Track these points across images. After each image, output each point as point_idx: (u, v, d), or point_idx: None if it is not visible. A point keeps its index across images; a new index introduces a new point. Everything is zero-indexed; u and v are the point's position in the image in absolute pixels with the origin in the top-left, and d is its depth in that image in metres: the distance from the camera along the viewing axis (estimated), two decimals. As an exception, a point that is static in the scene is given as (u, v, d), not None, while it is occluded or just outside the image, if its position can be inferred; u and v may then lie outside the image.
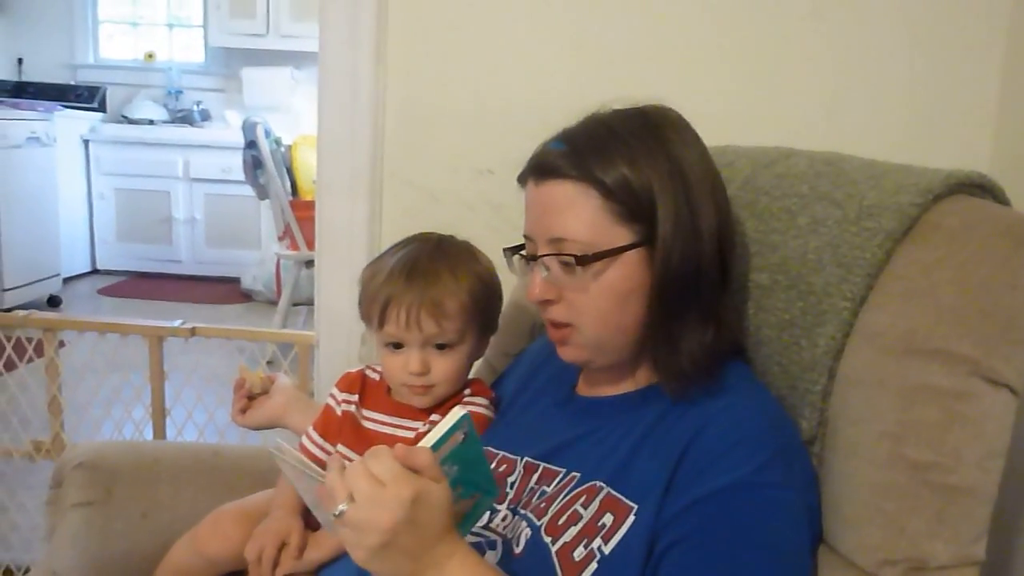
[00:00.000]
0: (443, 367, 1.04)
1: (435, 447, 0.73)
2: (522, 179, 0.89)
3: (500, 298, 1.10)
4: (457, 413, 0.75)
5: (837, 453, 0.83)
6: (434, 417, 1.07)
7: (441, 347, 1.03)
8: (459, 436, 0.75)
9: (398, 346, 1.04)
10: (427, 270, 1.02)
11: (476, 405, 1.08)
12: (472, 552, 0.73)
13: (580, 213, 0.82)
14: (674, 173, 0.81)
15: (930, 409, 0.76)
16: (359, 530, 0.67)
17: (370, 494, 0.66)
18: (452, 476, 0.76)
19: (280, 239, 3.78)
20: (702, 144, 0.87)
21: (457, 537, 0.72)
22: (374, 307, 1.03)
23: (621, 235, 0.82)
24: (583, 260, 0.82)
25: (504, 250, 0.95)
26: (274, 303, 4.24)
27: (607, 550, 0.77)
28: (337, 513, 0.67)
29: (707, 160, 0.87)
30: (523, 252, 0.92)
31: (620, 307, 0.84)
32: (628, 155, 0.81)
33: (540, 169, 0.86)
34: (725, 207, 0.87)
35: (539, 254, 0.86)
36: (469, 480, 0.79)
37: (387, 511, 0.66)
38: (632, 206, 0.81)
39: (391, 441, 1.07)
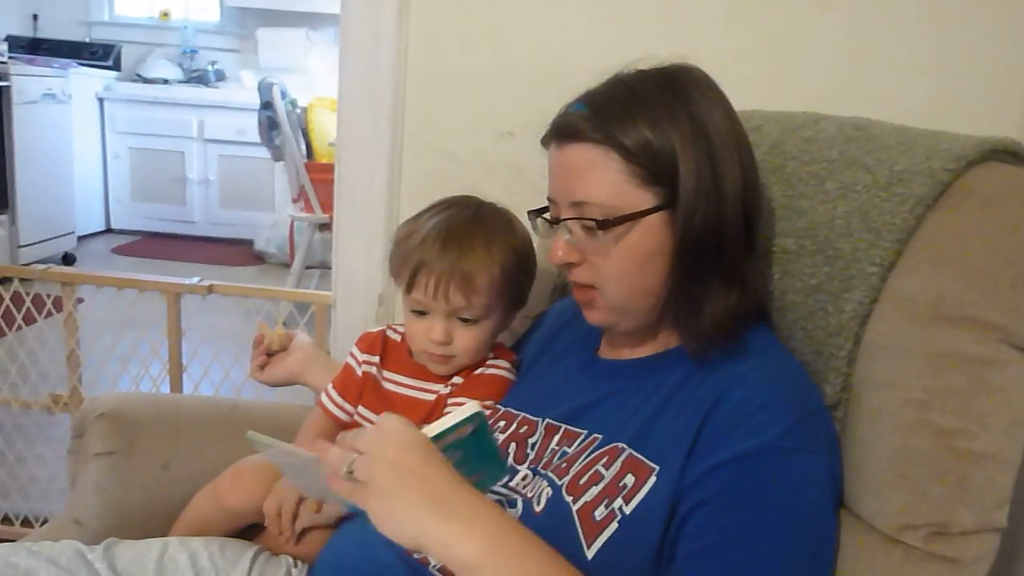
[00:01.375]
0: (466, 339, 1.04)
1: (440, 436, 0.72)
2: (545, 141, 0.89)
3: (533, 272, 1.09)
4: (470, 409, 0.74)
5: (861, 418, 0.83)
6: (456, 379, 1.08)
7: (466, 320, 1.03)
8: (467, 428, 0.75)
9: (423, 312, 1.04)
10: (462, 240, 1.00)
11: (499, 368, 1.08)
12: (501, 519, 0.70)
13: (601, 176, 0.82)
14: (697, 134, 0.80)
15: (957, 376, 0.76)
16: (369, 479, 0.66)
17: (372, 437, 0.68)
18: (455, 459, 0.77)
19: (294, 201, 3.77)
20: (728, 104, 0.86)
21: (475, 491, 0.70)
22: (404, 269, 1.02)
23: (643, 198, 0.81)
24: (604, 224, 0.82)
25: (528, 213, 0.95)
26: (287, 265, 4.25)
27: (628, 510, 0.77)
28: (348, 470, 0.67)
29: (733, 120, 0.85)
30: (547, 215, 0.92)
31: (642, 269, 0.84)
32: (650, 116, 0.80)
33: (562, 131, 0.85)
34: (751, 168, 0.86)
35: (561, 217, 0.86)
36: (474, 464, 0.79)
37: (380, 456, 0.67)
38: (653, 169, 0.80)
39: (412, 403, 1.08)
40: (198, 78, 5.36)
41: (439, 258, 0.99)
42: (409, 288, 1.02)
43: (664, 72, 0.85)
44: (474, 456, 0.79)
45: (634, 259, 0.83)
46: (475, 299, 1.01)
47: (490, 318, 1.05)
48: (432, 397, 1.08)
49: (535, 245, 1.08)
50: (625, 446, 0.82)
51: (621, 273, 0.84)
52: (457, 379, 1.08)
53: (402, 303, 1.08)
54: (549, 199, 0.90)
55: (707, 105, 0.83)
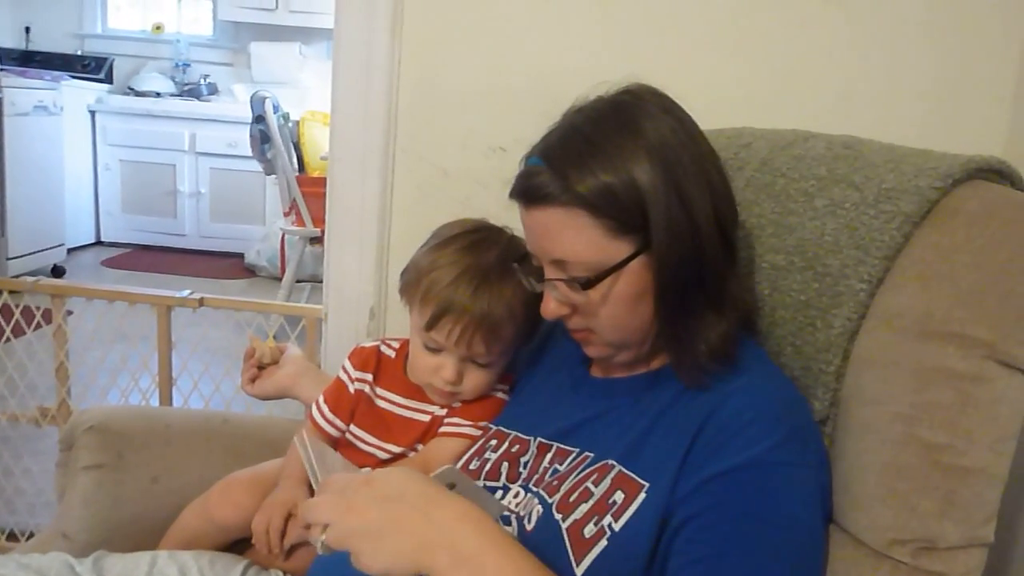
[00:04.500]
0: (476, 380, 1.04)
1: None
2: (512, 197, 0.87)
3: None
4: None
5: (849, 433, 0.84)
6: (456, 406, 1.08)
7: (479, 363, 1.03)
8: None
9: (436, 349, 1.02)
10: (493, 288, 0.97)
11: (498, 391, 1.08)
12: (485, 516, 0.72)
13: (574, 236, 0.81)
14: (658, 169, 0.79)
15: (944, 391, 0.76)
16: (347, 543, 0.68)
17: (331, 509, 0.69)
18: None
19: (286, 215, 3.77)
20: (685, 120, 0.85)
21: (460, 503, 0.71)
22: (427, 306, 0.99)
23: (619, 248, 0.81)
24: (587, 284, 0.82)
25: (514, 265, 0.95)
26: (277, 279, 4.25)
27: (617, 527, 0.77)
28: (321, 549, 0.70)
29: (694, 139, 0.84)
30: (532, 263, 0.91)
31: (632, 311, 0.84)
32: (607, 163, 0.79)
33: (526, 195, 0.84)
34: (720, 181, 0.85)
35: (548, 277, 0.87)
36: None
37: (351, 506, 0.69)
38: (623, 218, 0.80)
39: (406, 423, 1.07)
40: (190, 91, 5.37)
41: (471, 303, 0.96)
42: (429, 328, 0.99)
43: (616, 104, 0.84)
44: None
45: (622, 305, 0.84)
46: (496, 347, 1.00)
47: (502, 360, 1.05)
48: (427, 418, 1.07)
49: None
50: (615, 463, 0.82)
51: (612, 318, 0.85)
52: (457, 403, 1.07)
53: (412, 331, 1.05)
54: (530, 252, 0.90)
55: (662, 132, 0.81)
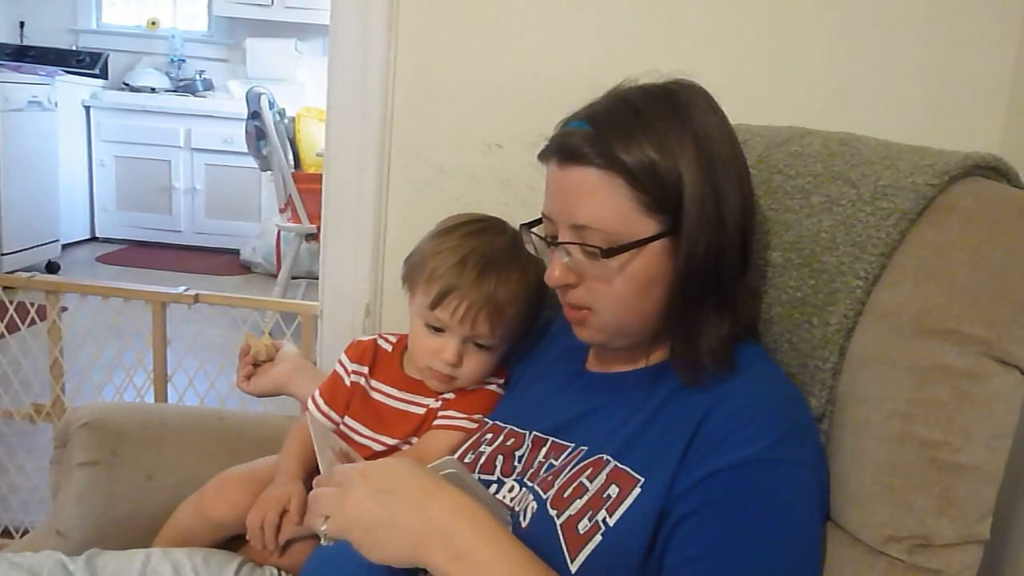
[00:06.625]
0: (475, 365, 1.04)
1: None
2: (544, 157, 0.86)
3: (545, 302, 1.08)
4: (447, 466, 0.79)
5: (845, 431, 0.83)
6: (447, 394, 1.07)
7: (480, 345, 1.03)
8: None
9: (439, 329, 1.03)
10: (500, 270, 0.99)
11: (492, 384, 1.09)
12: (481, 510, 0.74)
13: (605, 202, 0.80)
14: (701, 159, 0.79)
15: (940, 388, 0.76)
16: (346, 535, 0.73)
17: (330, 501, 0.75)
18: None
19: (281, 211, 3.76)
20: (729, 125, 0.85)
21: (456, 496, 0.74)
22: (432, 287, 1.00)
23: (646, 225, 0.80)
24: (609, 252, 0.80)
25: (521, 226, 0.94)
26: (273, 275, 4.25)
27: (612, 522, 0.77)
28: (323, 539, 0.75)
29: (734, 144, 0.84)
30: (539, 229, 0.91)
31: (641, 295, 0.83)
32: (655, 139, 0.79)
33: (564, 152, 0.82)
34: (749, 193, 0.86)
35: (561, 240, 0.84)
36: None
37: (347, 499, 0.74)
38: (658, 196, 0.79)
39: (401, 416, 1.08)
40: (186, 87, 5.36)
41: (476, 286, 0.98)
42: (433, 306, 1.00)
43: (667, 90, 0.84)
44: None
45: (634, 285, 0.82)
46: (499, 329, 1.01)
47: (503, 346, 1.05)
48: (421, 411, 1.07)
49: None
50: (610, 458, 0.81)
51: (619, 298, 0.83)
52: (448, 394, 1.08)
53: (413, 314, 1.06)
54: (545, 215, 0.88)
55: (710, 128, 0.81)
